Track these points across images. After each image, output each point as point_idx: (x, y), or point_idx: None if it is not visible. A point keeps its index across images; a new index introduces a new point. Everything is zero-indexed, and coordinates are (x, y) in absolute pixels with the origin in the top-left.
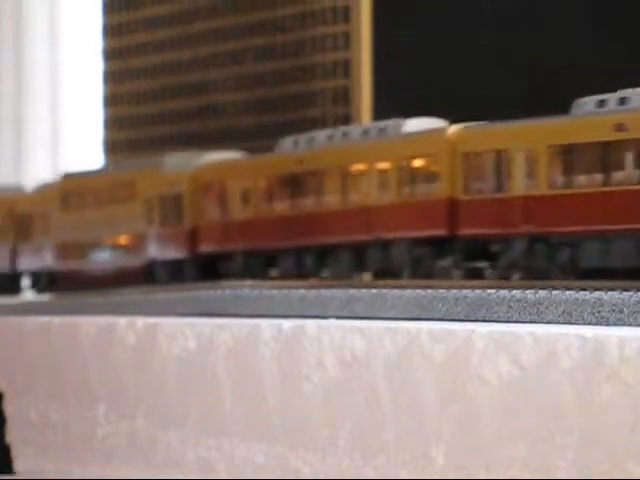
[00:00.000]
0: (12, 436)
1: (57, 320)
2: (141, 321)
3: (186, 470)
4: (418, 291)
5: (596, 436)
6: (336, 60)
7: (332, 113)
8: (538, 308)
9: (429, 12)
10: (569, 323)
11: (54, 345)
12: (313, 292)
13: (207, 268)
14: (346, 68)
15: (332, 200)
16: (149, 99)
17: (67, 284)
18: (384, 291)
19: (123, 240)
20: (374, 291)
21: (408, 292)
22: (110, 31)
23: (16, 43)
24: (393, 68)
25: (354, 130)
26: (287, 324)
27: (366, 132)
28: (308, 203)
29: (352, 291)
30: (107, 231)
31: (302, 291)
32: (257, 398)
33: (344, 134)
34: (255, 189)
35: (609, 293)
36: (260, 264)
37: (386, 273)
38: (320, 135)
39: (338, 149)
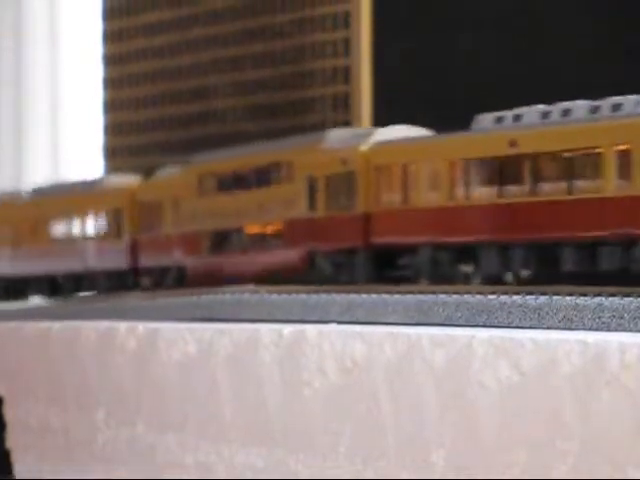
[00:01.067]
0: (12, 441)
1: (57, 325)
2: (141, 326)
3: (186, 475)
4: (418, 296)
5: (596, 442)
6: (336, 66)
7: (332, 119)
8: (539, 314)
9: (428, 19)
10: (570, 329)
11: (54, 350)
12: (314, 297)
13: (382, 262)
14: (346, 74)
15: (552, 189)
16: (149, 105)
17: (201, 280)
18: (385, 296)
19: (273, 228)
20: (375, 296)
21: (409, 297)
22: (110, 37)
23: (16, 49)
24: (393, 74)
25: (577, 107)
26: (287, 329)
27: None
28: (520, 191)
29: (352, 296)
30: (253, 218)
31: (303, 296)
32: (257, 403)
33: (564, 112)
34: (450, 173)
35: (610, 299)
36: (450, 260)
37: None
38: (531, 112)
39: (557, 129)
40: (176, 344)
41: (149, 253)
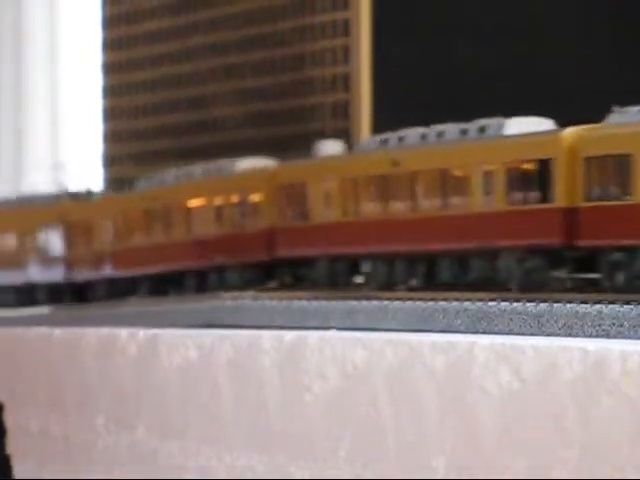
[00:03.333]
0: (12, 447)
1: (58, 331)
2: (142, 332)
3: None
4: (419, 303)
5: (597, 449)
6: (335, 74)
7: (331, 126)
8: (539, 321)
9: (428, 26)
10: (570, 336)
11: (55, 356)
12: (314, 303)
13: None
14: (346, 82)
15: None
16: (148, 113)
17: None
18: (385, 303)
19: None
20: (375, 303)
21: (409, 304)
22: (110, 45)
23: (16, 58)
24: (392, 82)
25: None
26: (288, 335)
27: None
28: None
29: (353, 303)
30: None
31: (303, 302)
32: (258, 408)
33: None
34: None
35: (610, 306)
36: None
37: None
38: (412, 134)
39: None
40: (177, 350)
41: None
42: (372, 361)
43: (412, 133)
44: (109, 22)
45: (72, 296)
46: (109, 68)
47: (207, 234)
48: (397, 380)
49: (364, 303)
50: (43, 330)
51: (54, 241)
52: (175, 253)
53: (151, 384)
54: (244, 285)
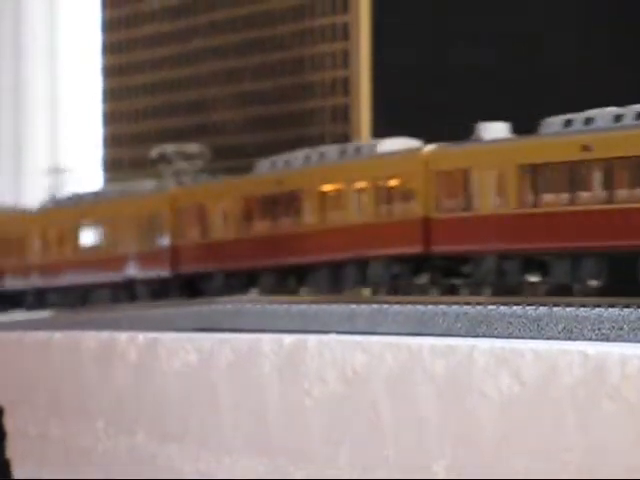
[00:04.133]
0: (12, 450)
1: (58, 335)
2: (142, 336)
3: None
4: (419, 307)
5: (597, 452)
6: (335, 78)
7: (331, 131)
8: (538, 324)
9: (427, 30)
10: (569, 339)
11: (55, 360)
12: (314, 307)
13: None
14: (345, 86)
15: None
16: (148, 116)
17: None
18: (385, 306)
19: None
20: (375, 306)
21: (408, 308)
22: (109, 49)
23: (16, 61)
24: (392, 86)
25: (329, 151)
26: (288, 339)
27: None
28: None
29: (353, 306)
30: None
31: (303, 306)
32: (258, 412)
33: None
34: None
35: (609, 310)
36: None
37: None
38: (296, 156)
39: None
40: (177, 354)
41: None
42: (372, 365)
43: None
44: (109, 26)
45: (182, 291)
46: (109, 72)
47: (349, 223)
48: (397, 383)
49: (364, 307)
50: (43, 334)
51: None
52: (306, 243)
53: (151, 388)
54: (389, 280)
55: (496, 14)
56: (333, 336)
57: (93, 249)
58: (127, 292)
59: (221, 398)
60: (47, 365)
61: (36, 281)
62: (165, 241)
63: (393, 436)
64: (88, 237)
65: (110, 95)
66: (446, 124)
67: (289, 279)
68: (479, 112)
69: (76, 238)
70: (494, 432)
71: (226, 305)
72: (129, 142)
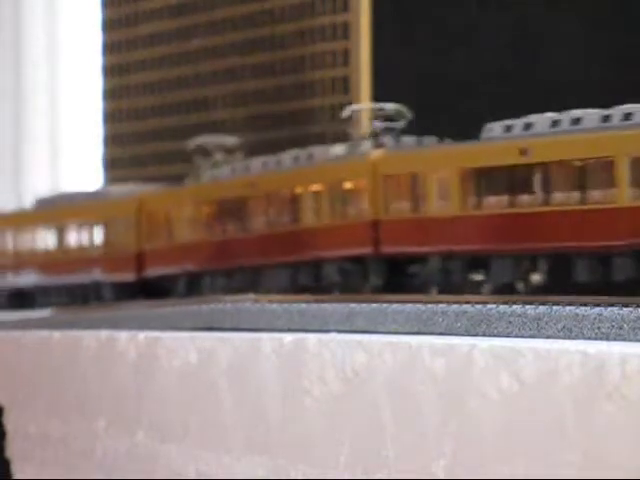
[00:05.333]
0: (12, 450)
1: (58, 334)
2: (142, 335)
3: None
4: (418, 306)
5: (597, 453)
6: (335, 77)
7: (331, 130)
8: (538, 323)
9: (428, 29)
10: (569, 338)
11: (55, 359)
12: (314, 306)
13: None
14: (345, 85)
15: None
16: (149, 116)
17: None
18: (384, 305)
19: None
20: (374, 305)
21: (408, 307)
22: (110, 48)
23: (15, 60)
24: (392, 85)
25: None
26: (288, 338)
27: None
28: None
29: (352, 305)
30: None
31: (303, 305)
32: (258, 412)
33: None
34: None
35: (609, 309)
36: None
37: None
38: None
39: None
40: (177, 353)
41: None
42: (372, 364)
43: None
44: (109, 25)
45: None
46: (109, 71)
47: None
48: (397, 383)
49: (364, 306)
50: (43, 333)
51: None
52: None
53: (151, 387)
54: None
55: (497, 14)
56: (333, 335)
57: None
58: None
59: (221, 397)
60: (47, 365)
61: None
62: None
63: (393, 435)
64: None
65: (110, 94)
66: (446, 124)
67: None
68: (479, 112)
69: None
70: (494, 431)
71: (226, 304)
72: (130, 141)
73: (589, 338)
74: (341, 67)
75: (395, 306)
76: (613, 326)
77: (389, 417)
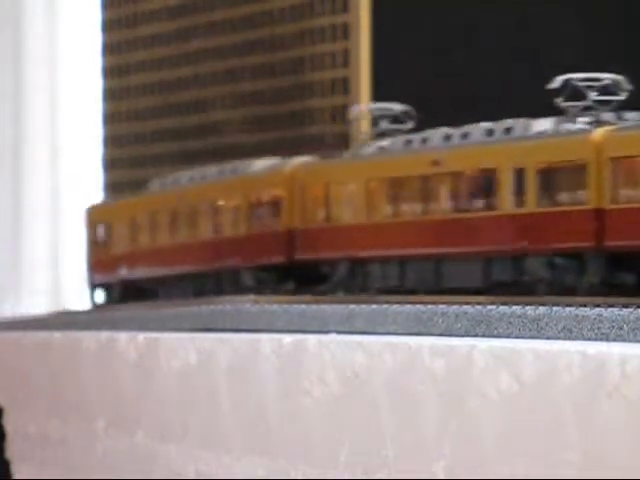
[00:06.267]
0: (12, 451)
1: (57, 335)
2: (142, 336)
3: None
4: (418, 306)
5: (597, 453)
6: (335, 78)
7: (331, 131)
8: (538, 324)
9: (428, 30)
10: (569, 339)
11: (54, 360)
12: (313, 307)
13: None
14: (345, 86)
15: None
16: (148, 117)
17: None
18: (384, 306)
19: None
20: (374, 306)
21: (408, 308)
22: (109, 49)
23: (15, 61)
24: (392, 86)
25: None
26: (288, 339)
27: None
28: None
29: (352, 306)
30: None
31: (302, 306)
32: (258, 413)
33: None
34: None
35: (609, 309)
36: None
37: None
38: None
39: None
40: (177, 354)
41: None
42: (372, 365)
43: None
44: (109, 26)
45: None
46: (109, 72)
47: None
48: (396, 384)
49: (363, 307)
50: (43, 334)
51: None
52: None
53: (150, 388)
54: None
55: (498, 15)
56: (333, 336)
57: None
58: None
59: (221, 398)
60: (47, 365)
61: None
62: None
63: (393, 436)
64: None
65: (110, 95)
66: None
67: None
68: (480, 113)
69: None
70: (494, 432)
71: (225, 305)
72: (129, 142)
73: (589, 339)
74: (341, 68)
75: (395, 307)
76: (613, 327)
77: (389, 418)
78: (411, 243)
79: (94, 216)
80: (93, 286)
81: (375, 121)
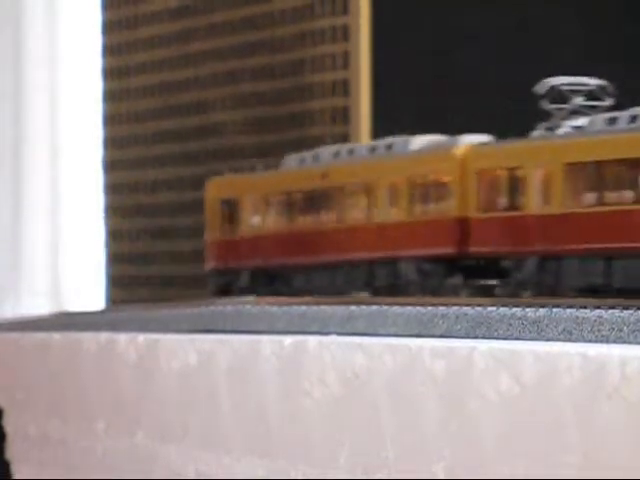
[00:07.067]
0: (12, 452)
1: (57, 336)
2: (142, 337)
3: None
4: (418, 308)
5: (597, 454)
6: (335, 79)
7: (331, 132)
8: (538, 326)
9: (428, 32)
10: (569, 341)
11: (54, 361)
12: (313, 308)
13: None
14: (345, 87)
15: None
16: (148, 118)
17: None
18: (384, 308)
19: None
20: (374, 308)
21: (408, 309)
22: (110, 51)
23: (15, 61)
24: (392, 87)
25: None
26: (288, 340)
27: None
28: None
29: (352, 308)
30: None
31: (303, 307)
32: (258, 414)
33: None
34: None
35: (609, 311)
36: None
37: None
38: None
39: None
40: (176, 355)
41: None
42: (372, 366)
43: None
44: (109, 27)
45: None
46: (109, 74)
47: None
48: (397, 385)
49: (364, 308)
50: (42, 335)
51: None
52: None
53: (150, 389)
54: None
55: (498, 18)
56: (333, 337)
57: None
58: None
59: (221, 399)
60: (47, 366)
61: None
62: None
63: (393, 437)
64: None
65: (110, 97)
66: (446, 126)
67: None
68: (480, 113)
69: None
70: (494, 434)
71: (226, 306)
72: (129, 143)
73: (589, 341)
74: (341, 70)
75: (395, 308)
76: (613, 328)
77: (389, 419)
78: (619, 237)
79: (217, 191)
80: (213, 271)
81: (563, 98)
